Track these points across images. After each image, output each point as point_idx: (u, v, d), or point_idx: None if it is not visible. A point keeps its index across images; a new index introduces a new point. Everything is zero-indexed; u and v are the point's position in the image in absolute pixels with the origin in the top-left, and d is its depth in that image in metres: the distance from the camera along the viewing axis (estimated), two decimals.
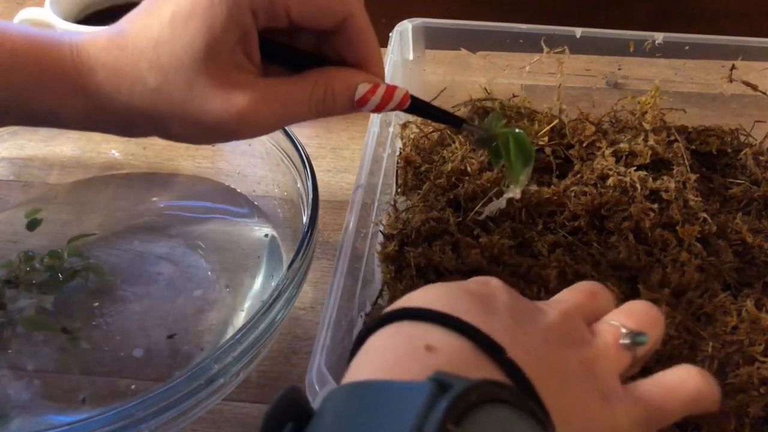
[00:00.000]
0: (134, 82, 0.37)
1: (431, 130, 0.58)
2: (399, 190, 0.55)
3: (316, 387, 0.36)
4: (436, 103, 0.61)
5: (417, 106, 0.42)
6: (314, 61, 0.39)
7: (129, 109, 0.38)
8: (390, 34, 0.60)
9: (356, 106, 0.39)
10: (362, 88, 0.39)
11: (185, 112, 0.37)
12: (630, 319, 0.34)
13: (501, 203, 0.49)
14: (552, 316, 0.33)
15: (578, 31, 0.59)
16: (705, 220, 0.50)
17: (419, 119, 0.59)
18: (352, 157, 0.67)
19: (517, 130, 0.45)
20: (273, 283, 0.51)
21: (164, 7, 0.36)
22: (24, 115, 0.39)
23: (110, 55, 0.37)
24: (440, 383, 0.24)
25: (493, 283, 0.34)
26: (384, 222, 0.52)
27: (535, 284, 0.46)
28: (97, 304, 0.52)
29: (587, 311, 0.35)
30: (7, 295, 0.52)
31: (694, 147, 0.57)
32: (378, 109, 0.40)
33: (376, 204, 0.52)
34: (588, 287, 0.36)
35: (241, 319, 0.51)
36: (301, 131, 0.58)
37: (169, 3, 0.36)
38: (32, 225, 0.56)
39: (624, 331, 0.34)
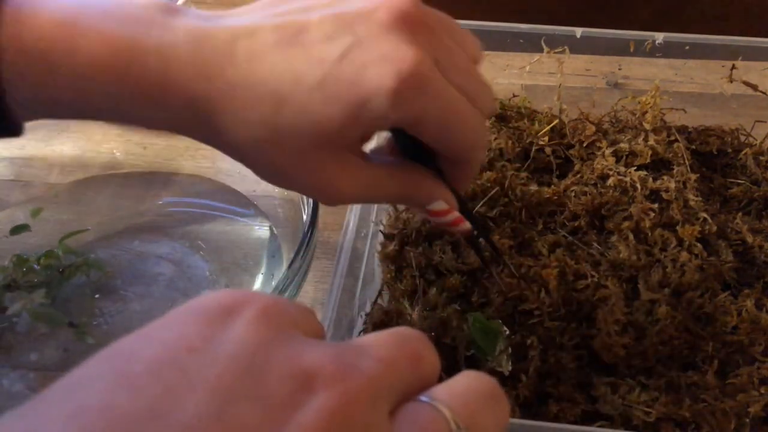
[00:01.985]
0: (238, 126, 0.34)
1: None
2: None
3: None
4: None
5: (472, 241, 0.43)
6: (417, 150, 0.38)
7: (218, 139, 0.36)
8: None
9: (426, 213, 0.40)
10: (437, 205, 0.39)
11: (280, 168, 0.36)
12: (464, 406, 0.23)
13: None
14: (322, 401, 0.21)
15: (578, 31, 0.59)
16: (705, 220, 0.50)
17: None
18: None
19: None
20: (273, 283, 0.51)
21: (311, 71, 0.33)
22: (96, 117, 0.37)
23: (215, 88, 0.34)
24: None
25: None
26: (384, 222, 0.52)
27: (535, 284, 0.46)
28: (98, 302, 0.52)
29: (397, 382, 0.23)
30: (7, 299, 0.52)
31: (694, 147, 0.57)
32: (440, 225, 0.41)
33: (376, 204, 0.52)
34: (413, 345, 0.25)
35: None
36: None
37: (318, 68, 0.33)
38: (17, 230, 0.56)
39: (453, 426, 0.22)
